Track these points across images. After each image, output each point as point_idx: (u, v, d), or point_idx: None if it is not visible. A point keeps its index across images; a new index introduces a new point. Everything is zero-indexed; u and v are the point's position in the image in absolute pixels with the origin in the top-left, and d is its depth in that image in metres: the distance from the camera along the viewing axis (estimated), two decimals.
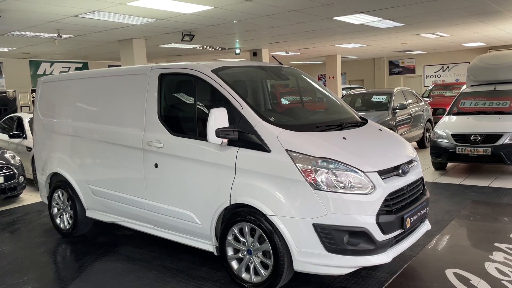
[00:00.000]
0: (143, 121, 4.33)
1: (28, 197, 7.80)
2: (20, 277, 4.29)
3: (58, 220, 5.52)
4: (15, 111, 14.84)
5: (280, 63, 4.93)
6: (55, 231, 5.58)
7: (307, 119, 4.35)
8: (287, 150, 3.41)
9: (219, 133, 3.56)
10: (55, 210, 5.54)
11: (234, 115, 3.66)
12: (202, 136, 3.81)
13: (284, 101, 5.98)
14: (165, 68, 4.28)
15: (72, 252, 4.97)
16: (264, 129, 3.55)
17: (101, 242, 5.18)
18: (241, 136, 3.61)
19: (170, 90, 4.33)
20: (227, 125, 3.61)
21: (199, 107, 4.03)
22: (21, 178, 7.43)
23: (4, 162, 7.27)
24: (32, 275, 4.34)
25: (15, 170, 7.31)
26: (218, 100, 3.83)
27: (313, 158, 3.35)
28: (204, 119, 3.82)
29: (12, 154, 7.60)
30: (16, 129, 8.98)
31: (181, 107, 4.40)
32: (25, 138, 8.55)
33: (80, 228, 5.31)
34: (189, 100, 4.23)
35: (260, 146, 3.52)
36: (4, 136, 9.19)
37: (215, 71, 3.95)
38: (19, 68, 15.70)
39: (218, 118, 3.56)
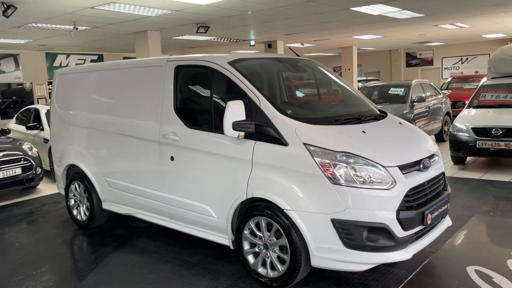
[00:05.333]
0: (159, 114, 4.30)
1: (45, 188, 7.89)
2: (38, 268, 4.32)
3: (75, 212, 5.55)
4: (32, 103, 15.01)
5: (297, 55, 4.84)
6: (72, 222, 5.62)
7: (325, 112, 4.26)
8: (305, 144, 3.34)
9: (236, 126, 3.51)
10: (72, 201, 5.58)
11: (251, 108, 3.60)
12: (219, 129, 3.76)
13: (299, 94, 5.89)
14: (181, 60, 4.23)
15: (89, 244, 5.00)
16: (282, 123, 3.48)
17: (117, 234, 5.20)
18: (258, 129, 3.55)
19: (186, 83, 4.29)
20: (244, 118, 3.55)
21: (215, 99, 3.97)
22: (38, 170, 7.51)
23: (21, 153, 7.35)
24: (50, 266, 4.38)
25: (32, 161, 7.39)
26: (235, 92, 3.77)
27: (331, 152, 3.28)
28: (220, 112, 3.77)
29: (29, 146, 7.68)
30: (33, 120, 9.08)
31: (197, 99, 4.36)
32: (42, 129, 8.64)
33: (97, 220, 5.34)
34: (205, 92, 4.19)
35: (278, 139, 3.46)
36: (22, 128, 9.30)
37: (231, 63, 3.89)
38: (36, 60, 15.84)
39: (235, 111, 3.50)
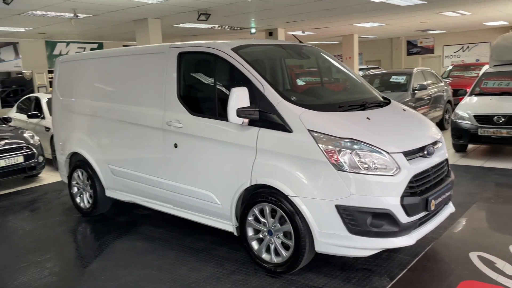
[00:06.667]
0: (162, 101, 4.28)
1: (48, 177, 7.90)
2: (43, 254, 4.35)
3: (78, 199, 5.57)
4: (32, 92, 14.94)
5: (301, 42, 4.81)
6: (75, 210, 5.64)
7: (329, 98, 4.25)
8: (309, 130, 3.34)
9: (240, 113, 3.50)
10: (75, 189, 5.59)
11: (255, 95, 3.59)
12: (222, 116, 3.76)
13: (300, 82, 5.85)
14: (184, 47, 4.21)
15: (93, 231, 5.03)
16: (286, 109, 3.48)
17: (121, 222, 5.22)
18: (262, 116, 3.55)
19: (189, 69, 4.26)
20: (248, 104, 3.54)
21: (219, 86, 3.96)
22: (40, 158, 7.52)
23: (23, 141, 7.34)
24: (54, 253, 4.41)
25: (34, 149, 7.39)
26: (239, 79, 3.75)
27: (336, 138, 3.28)
28: (224, 98, 3.76)
29: (31, 134, 7.68)
30: (34, 109, 9.05)
31: (201, 86, 4.34)
32: (43, 118, 8.62)
33: (100, 208, 5.35)
34: (209, 79, 4.17)
35: (282, 126, 3.46)
36: (22, 116, 9.28)
37: (235, 50, 3.87)
38: (36, 49, 15.73)
39: (239, 97, 3.50)
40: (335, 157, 3.24)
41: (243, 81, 3.69)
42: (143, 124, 4.48)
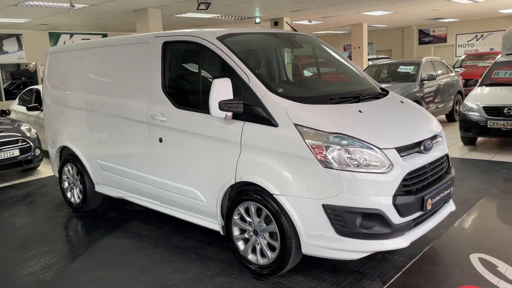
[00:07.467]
0: (147, 93, 4.09)
1: (46, 170, 7.80)
2: (27, 252, 4.22)
3: (68, 194, 5.43)
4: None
5: (295, 30, 4.55)
6: (66, 205, 5.50)
7: (321, 90, 4.00)
8: (295, 125, 3.11)
9: (223, 105, 3.29)
10: (66, 184, 5.46)
11: (240, 86, 3.37)
12: (207, 109, 3.54)
13: (307, 73, 5.60)
14: (169, 36, 4.00)
15: (81, 228, 4.89)
16: (272, 102, 3.25)
17: (111, 218, 5.08)
18: (247, 109, 3.33)
19: (174, 60, 4.06)
20: (231, 97, 3.33)
21: (204, 77, 3.75)
22: (37, 151, 7.41)
23: (20, 135, 7.24)
24: (38, 250, 4.27)
25: (30, 143, 7.29)
26: (224, 70, 3.54)
27: (324, 133, 3.05)
28: (208, 90, 3.54)
29: (28, 127, 7.57)
30: (35, 101, 8.96)
31: (186, 77, 4.14)
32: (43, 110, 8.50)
33: (90, 203, 5.21)
34: (194, 70, 3.96)
35: (267, 120, 3.24)
36: (24, 109, 9.19)
37: (220, 39, 3.64)
38: (39, 40, 15.60)
39: (221, 89, 3.28)
40: (323, 153, 3.01)
41: (228, 71, 3.47)
42: (128, 117, 4.30)
